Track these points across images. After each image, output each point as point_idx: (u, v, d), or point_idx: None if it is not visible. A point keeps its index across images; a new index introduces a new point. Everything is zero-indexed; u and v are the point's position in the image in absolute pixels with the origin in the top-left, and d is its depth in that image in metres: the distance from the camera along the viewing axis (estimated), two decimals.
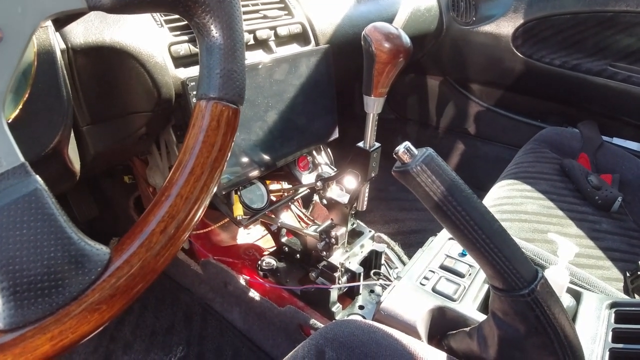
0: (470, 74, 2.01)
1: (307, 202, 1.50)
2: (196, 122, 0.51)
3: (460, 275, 0.89)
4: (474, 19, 1.87)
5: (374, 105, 0.85)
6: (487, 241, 0.54)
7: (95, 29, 0.83)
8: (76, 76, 0.82)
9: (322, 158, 1.28)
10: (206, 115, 0.51)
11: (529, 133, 1.63)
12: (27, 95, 0.62)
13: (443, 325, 0.82)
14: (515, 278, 0.56)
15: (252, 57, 1.09)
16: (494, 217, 0.55)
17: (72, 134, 0.82)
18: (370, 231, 1.16)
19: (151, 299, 1.55)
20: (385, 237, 1.34)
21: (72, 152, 0.81)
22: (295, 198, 1.25)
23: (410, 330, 0.79)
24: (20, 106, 0.61)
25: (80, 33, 0.81)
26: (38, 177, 0.42)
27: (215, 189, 0.53)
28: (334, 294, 1.06)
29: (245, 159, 1.03)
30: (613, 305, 0.82)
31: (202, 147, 0.50)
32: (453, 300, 0.83)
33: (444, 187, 0.52)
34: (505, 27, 1.78)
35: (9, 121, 0.59)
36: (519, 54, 1.78)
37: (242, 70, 0.54)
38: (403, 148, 0.54)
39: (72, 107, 0.80)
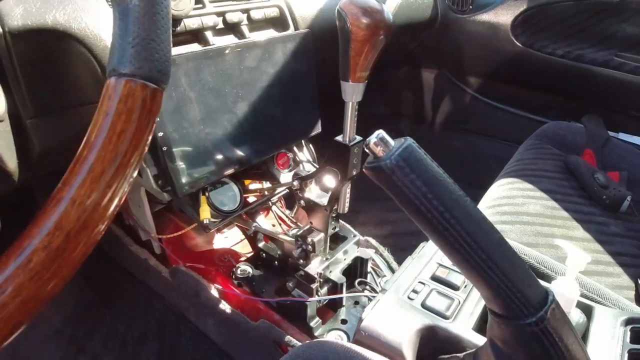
0: (468, 66, 1.94)
1: (292, 202, 1.39)
2: (101, 106, 0.39)
3: (455, 287, 0.79)
4: (471, 7, 1.80)
5: (352, 92, 0.74)
6: (484, 257, 0.42)
7: (36, 10, 0.74)
8: (16, 63, 0.73)
9: (304, 155, 1.17)
10: (113, 96, 0.39)
11: (530, 128, 1.55)
12: None
13: (434, 348, 0.71)
14: (519, 303, 0.44)
15: (221, 42, 0.98)
16: (492, 225, 0.44)
17: (8, 128, 0.73)
18: (354, 235, 1.05)
19: (123, 305, 1.46)
20: (373, 241, 1.23)
21: (5, 149, 0.71)
22: (273, 199, 1.14)
23: (395, 353, 0.69)
24: None
25: (19, 15, 0.72)
26: None
27: (125, 192, 0.41)
28: (312, 308, 0.94)
29: (211, 156, 0.92)
30: (629, 321, 0.73)
31: (105, 138, 0.38)
32: (446, 318, 0.73)
33: (427, 188, 0.41)
34: (504, 15, 1.71)
35: None
36: (518, 44, 1.72)
37: (166, 40, 0.42)
38: (375, 138, 0.42)
39: (14, 96, 0.73)
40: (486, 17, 1.74)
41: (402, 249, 1.31)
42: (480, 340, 0.69)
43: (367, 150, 0.43)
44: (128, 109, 0.39)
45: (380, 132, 0.42)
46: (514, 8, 1.67)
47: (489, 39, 1.76)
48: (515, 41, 1.70)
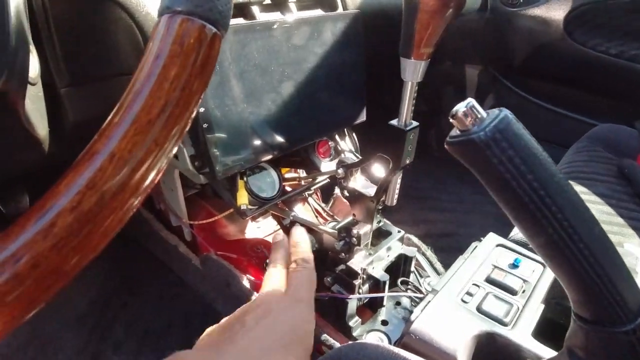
0: (515, 63, 1.83)
1: (328, 196, 1.33)
2: (152, 47, 0.33)
3: (512, 292, 0.72)
4: (522, 0, 1.69)
5: (413, 70, 0.67)
6: (585, 252, 0.36)
7: None
8: (52, 25, 0.68)
9: (346, 144, 1.10)
10: (166, 36, 0.32)
11: (578, 130, 1.46)
12: None
13: (490, 356, 0.64)
14: (618, 307, 0.38)
15: (267, 18, 0.92)
16: (593, 217, 0.37)
17: (42, 94, 0.68)
18: (399, 231, 0.99)
19: (149, 293, 1.42)
20: (415, 239, 1.16)
21: (36, 114, 0.66)
22: (312, 189, 1.08)
23: None
24: None
25: None
26: None
27: (172, 152, 0.35)
28: (352, 305, 0.88)
29: (252, 138, 0.86)
30: None
31: (154, 84, 0.32)
32: (504, 324, 0.66)
33: (526, 167, 0.34)
34: (556, 10, 1.61)
35: None
36: (571, 41, 1.61)
37: None
38: (465, 107, 0.36)
39: (48, 62, 0.69)
40: (538, 11, 1.64)
41: (439, 250, 1.25)
42: (542, 350, 0.62)
43: (452, 122, 0.37)
44: (184, 52, 0.33)
45: (471, 101, 0.36)
46: (567, 3, 1.57)
47: (539, 35, 1.67)
48: (568, 38, 1.61)
